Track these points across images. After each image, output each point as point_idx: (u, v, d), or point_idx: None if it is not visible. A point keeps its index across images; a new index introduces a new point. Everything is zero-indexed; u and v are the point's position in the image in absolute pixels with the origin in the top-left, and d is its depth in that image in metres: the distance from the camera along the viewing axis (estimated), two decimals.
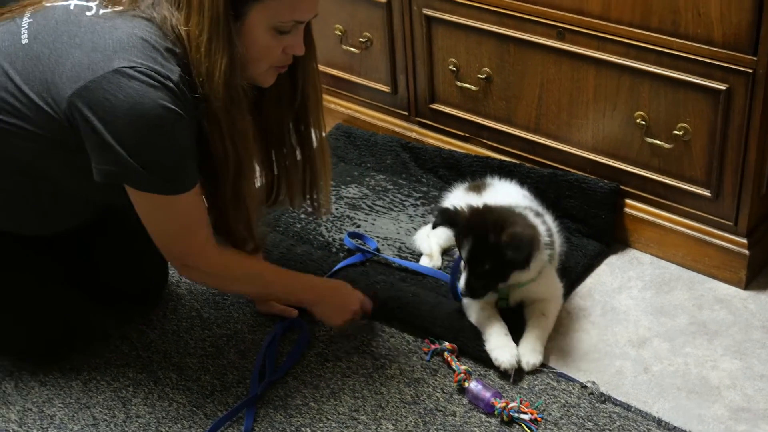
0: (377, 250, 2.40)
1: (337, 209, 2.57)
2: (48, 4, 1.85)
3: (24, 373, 2.12)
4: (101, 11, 1.78)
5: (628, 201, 2.37)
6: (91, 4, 1.81)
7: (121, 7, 1.78)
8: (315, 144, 2.08)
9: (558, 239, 2.17)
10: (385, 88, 2.79)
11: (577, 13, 2.23)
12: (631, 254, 2.39)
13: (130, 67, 1.69)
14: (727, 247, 2.24)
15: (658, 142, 2.23)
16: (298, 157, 2.09)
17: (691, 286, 2.27)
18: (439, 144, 2.70)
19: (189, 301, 2.30)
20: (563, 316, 2.17)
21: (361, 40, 2.76)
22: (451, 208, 2.07)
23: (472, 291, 2.03)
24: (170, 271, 2.35)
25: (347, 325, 2.13)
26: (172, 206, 1.84)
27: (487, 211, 2.04)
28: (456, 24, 2.50)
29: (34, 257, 2.07)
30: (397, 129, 2.81)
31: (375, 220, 2.53)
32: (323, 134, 2.09)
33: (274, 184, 2.12)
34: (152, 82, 1.69)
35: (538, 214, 2.14)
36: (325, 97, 2.92)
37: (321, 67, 2.90)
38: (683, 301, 2.23)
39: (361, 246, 2.40)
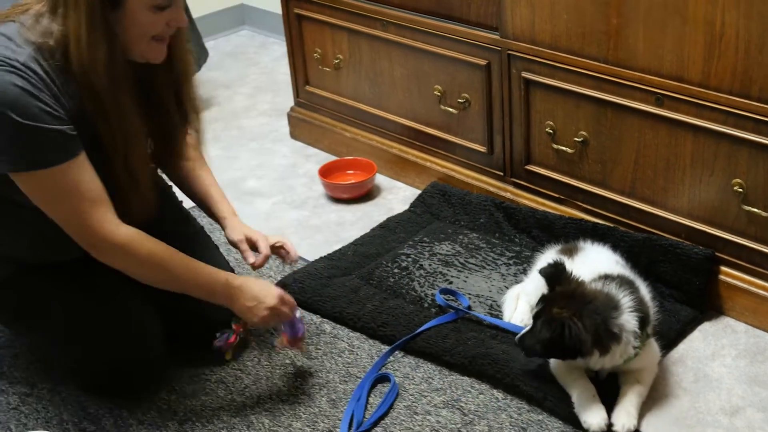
0: (469, 307, 2.42)
1: (430, 265, 2.60)
2: None
3: (123, 411, 2.19)
4: None
5: (723, 268, 2.36)
6: None
7: None
8: (190, 110, 2.20)
9: (651, 309, 2.12)
10: (482, 149, 2.84)
11: (676, 80, 2.25)
12: (725, 322, 2.37)
13: None
14: None
15: (755, 210, 2.22)
16: (178, 125, 2.20)
17: None
18: (533, 205, 2.73)
19: (283, 348, 2.36)
20: (655, 381, 2.15)
21: (459, 100, 2.82)
22: (568, 271, 2.06)
23: (522, 344, 2.05)
24: None
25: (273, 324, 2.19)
26: (58, 180, 1.92)
27: (576, 288, 2.03)
28: (554, 88, 2.54)
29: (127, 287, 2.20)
30: (491, 189, 2.85)
31: (467, 277, 2.56)
32: (196, 100, 2.21)
33: (157, 150, 2.21)
34: (2, 66, 1.85)
35: (630, 285, 2.09)
36: (422, 155, 3.02)
37: (419, 126, 3.00)
38: None
39: (452, 302, 2.43)
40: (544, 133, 2.63)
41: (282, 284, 2.57)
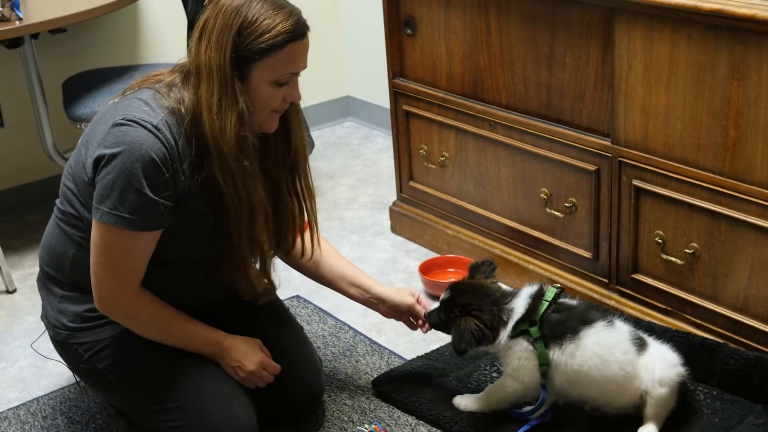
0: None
1: None
2: None
3: None
4: (121, 97, 2.14)
5: None
6: (117, 97, 2.15)
7: (135, 89, 2.13)
8: (305, 191, 2.32)
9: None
10: (587, 254, 2.79)
11: None
12: None
13: (123, 118, 2.01)
14: None
15: None
16: (294, 204, 2.31)
17: None
18: (638, 315, 2.66)
19: None
20: None
21: (566, 204, 2.79)
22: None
23: (429, 316, 2.35)
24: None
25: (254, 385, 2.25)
26: (121, 240, 2.03)
27: (474, 288, 2.30)
28: (666, 197, 2.49)
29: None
30: (595, 296, 2.79)
31: None
32: (310, 182, 2.33)
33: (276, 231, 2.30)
34: (135, 125, 2.00)
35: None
36: (524, 257, 2.98)
37: (522, 228, 2.98)
38: None
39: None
40: (653, 243, 2.57)
41: (377, 382, 2.54)
